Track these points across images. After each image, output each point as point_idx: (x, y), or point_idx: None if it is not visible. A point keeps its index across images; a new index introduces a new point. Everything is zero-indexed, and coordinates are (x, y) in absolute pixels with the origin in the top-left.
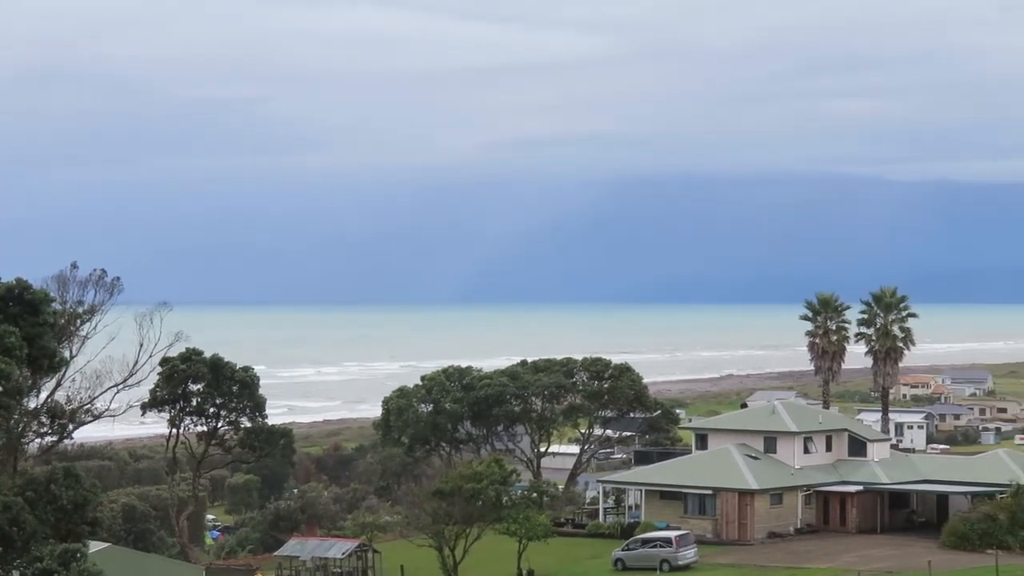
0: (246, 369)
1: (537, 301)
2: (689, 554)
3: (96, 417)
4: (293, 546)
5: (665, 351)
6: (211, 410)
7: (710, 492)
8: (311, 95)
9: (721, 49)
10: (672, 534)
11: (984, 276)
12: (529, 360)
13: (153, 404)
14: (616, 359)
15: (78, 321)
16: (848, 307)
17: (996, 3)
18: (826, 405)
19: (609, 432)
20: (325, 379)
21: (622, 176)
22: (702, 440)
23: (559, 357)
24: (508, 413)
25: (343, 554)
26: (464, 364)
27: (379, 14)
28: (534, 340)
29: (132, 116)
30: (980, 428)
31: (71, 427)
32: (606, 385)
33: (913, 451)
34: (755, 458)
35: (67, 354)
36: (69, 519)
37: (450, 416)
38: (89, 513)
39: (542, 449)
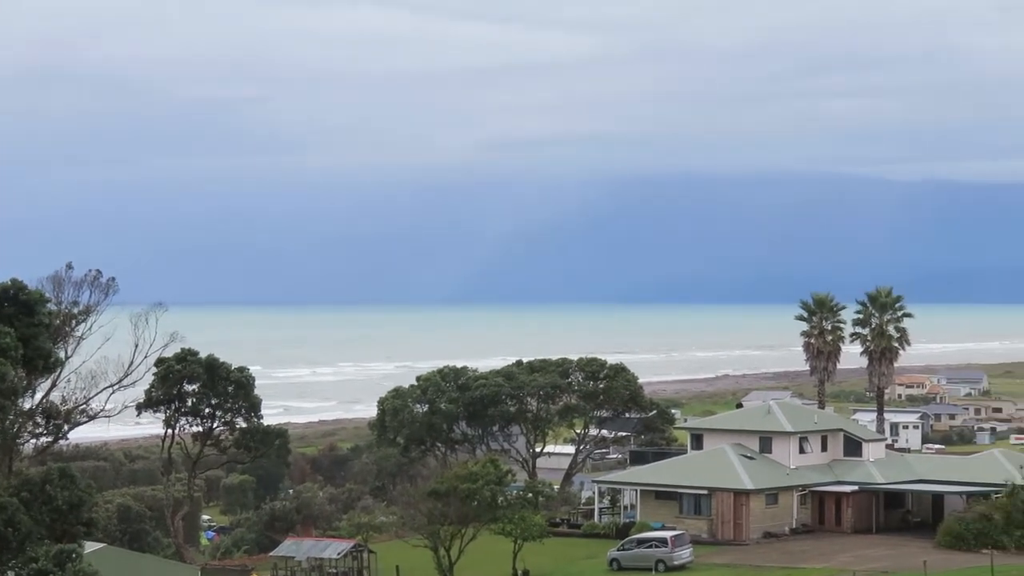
0: (241, 369)
1: (536, 301)
2: (684, 554)
3: (91, 418)
4: (288, 546)
5: (661, 351)
6: (206, 410)
7: (705, 492)
8: (311, 95)
9: (721, 49)
10: (667, 534)
11: (981, 276)
12: (524, 360)
13: (148, 405)
14: (612, 359)
15: (73, 322)
16: (844, 307)
17: (996, 3)
18: (821, 405)
19: (604, 432)
20: (321, 379)
21: (622, 176)
22: (697, 440)
23: (554, 357)
24: (503, 413)
25: (339, 554)
26: (460, 364)
27: (379, 14)
28: (532, 340)
29: (132, 116)
30: (975, 428)
31: (66, 428)
32: (601, 385)
33: (908, 451)
34: (750, 458)
35: (62, 355)
36: (64, 519)
37: (445, 416)
38: (84, 514)
39: (537, 449)
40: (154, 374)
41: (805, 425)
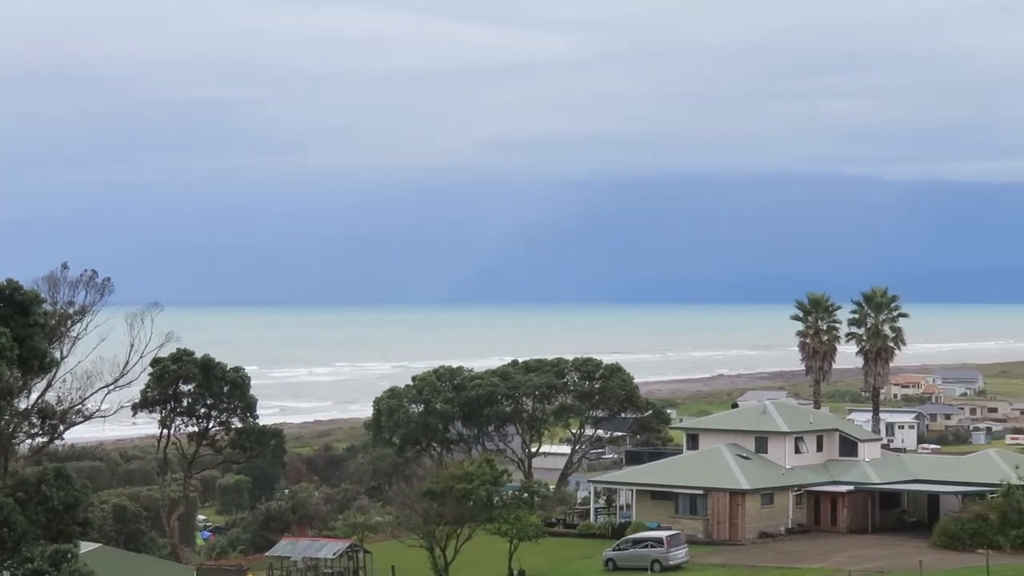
0: (237, 370)
1: (535, 301)
2: (680, 554)
3: (87, 418)
4: (284, 546)
5: (657, 351)
6: (202, 411)
7: (701, 492)
8: (311, 95)
9: (721, 49)
10: (663, 534)
11: (978, 276)
12: (520, 360)
13: (144, 405)
14: (607, 359)
15: (69, 322)
16: (839, 307)
17: (996, 3)
18: (817, 405)
19: (600, 432)
20: (317, 379)
21: (621, 176)
22: (693, 440)
23: (550, 357)
24: (499, 413)
25: (334, 554)
26: (455, 364)
27: (378, 14)
28: (529, 340)
29: (132, 116)
30: (971, 428)
31: (62, 428)
32: (597, 385)
33: (904, 451)
34: (746, 458)
35: (58, 355)
36: (60, 520)
37: (441, 416)
38: (80, 514)
39: (533, 449)
40: (149, 374)
41: (801, 425)
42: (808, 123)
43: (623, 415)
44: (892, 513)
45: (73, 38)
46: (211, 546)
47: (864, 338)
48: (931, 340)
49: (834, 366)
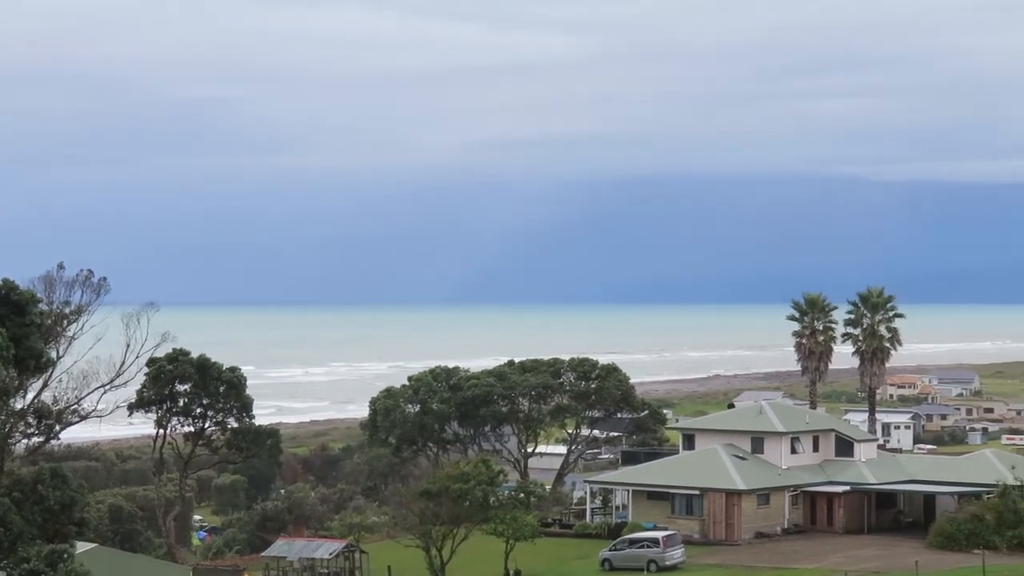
0: (233, 369)
1: (535, 301)
2: (676, 554)
3: (83, 418)
4: (280, 547)
5: (653, 351)
6: (198, 411)
7: (697, 492)
8: (310, 95)
9: (720, 49)
10: (659, 534)
11: (977, 276)
12: (516, 360)
13: (140, 405)
14: (604, 359)
15: (65, 322)
16: (835, 307)
17: (996, 3)
18: (813, 405)
19: (596, 432)
20: (313, 379)
21: (621, 176)
22: (689, 440)
23: (546, 358)
24: (495, 413)
25: (330, 555)
26: (452, 365)
27: (377, 14)
28: (526, 340)
29: (132, 116)
30: (967, 428)
31: (58, 428)
32: (593, 385)
33: (900, 451)
34: (742, 458)
35: (54, 355)
36: (56, 520)
37: (437, 416)
38: (76, 514)
39: (529, 449)
40: (146, 374)
41: (797, 425)
42: (808, 123)
43: (619, 415)
44: (888, 513)
45: (73, 38)
46: (207, 546)
47: (860, 338)
48: (927, 340)
49: (830, 366)
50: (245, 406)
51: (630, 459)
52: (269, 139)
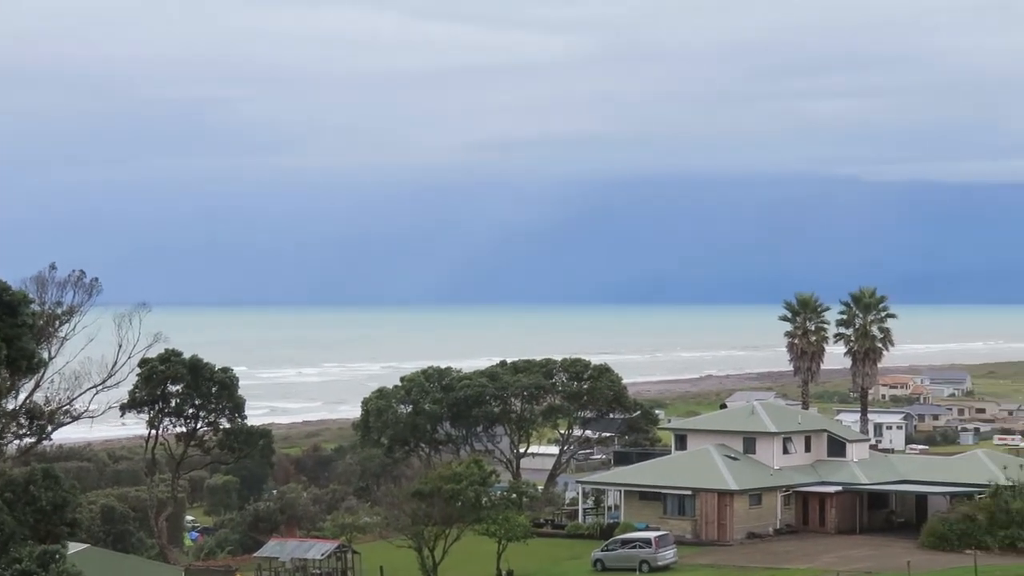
0: (225, 370)
1: (534, 301)
2: (668, 555)
3: (75, 418)
4: (272, 547)
5: (646, 351)
6: (190, 411)
7: (689, 493)
8: (310, 95)
9: (720, 49)
10: (651, 535)
11: (976, 276)
12: (508, 361)
13: (132, 405)
14: (596, 360)
15: (57, 322)
16: (827, 308)
17: (996, 3)
18: (805, 406)
19: (588, 433)
20: (306, 380)
21: (621, 176)
22: (681, 441)
23: (539, 358)
24: (487, 414)
25: (322, 555)
26: (444, 365)
27: (377, 15)
28: (521, 341)
29: (132, 116)
30: (959, 428)
31: (50, 428)
32: (585, 386)
33: (892, 451)
34: (734, 459)
35: (46, 355)
36: (48, 520)
37: (429, 417)
38: (68, 514)
39: (521, 450)
40: (138, 375)
41: (789, 426)
42: (808, 123)
43: (611, 416)
44: (880, 513)
45: (73, 38)
46: (199, 547)
47: (852, 339)
48: (920, 341)
49: (822, 367)
50: (237, 407)
51: (622, 459)
52: (269, 139)
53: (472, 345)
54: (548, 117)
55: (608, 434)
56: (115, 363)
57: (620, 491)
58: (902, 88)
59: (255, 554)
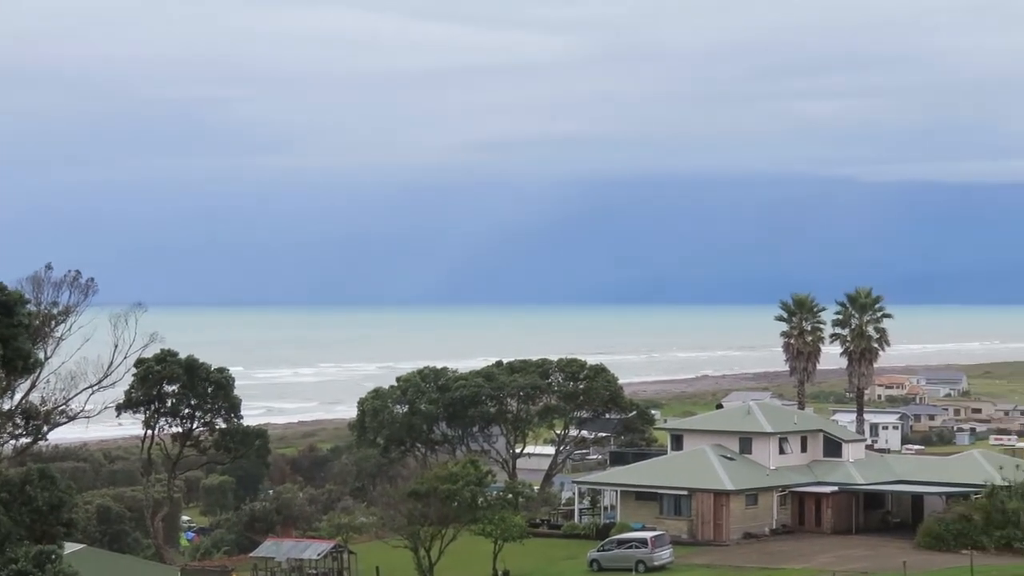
0: (221, 370)
1: (534, 301)
2: (664, 555)
3: (71, 418)
4: (268, 547)
5: (642, 352)
6: (186, 411)
7: (685, 493)
8: (310, 95)
9: (720, 49)
10: (647, 535)
11: (974, 277)
12: (504, 361)
13: (128, 405)
14: (591, 360)
15: (52, 322)
16: (823, 308)
17: (996, 3)
18: (801, 406)
19: (584, 433)
20: (302, 380)
21: (620, 176)
22: (677, 441)
23: (534, 358)
24: (483, 414)
25: (318, 555)
26: (440, 365)
27: (377, 15)
28: (520, 340)
29: (132, 116)
30: (955, 429)
31: (46, 428)
32: (581, 386)
33: (888, 452)
34: (730, 459)
35: (42, 355)
36: (44, 520)
37: (425, 417)
38: (64, 514)
39: (517, 450)
40: (134, 375)
41: (785, 426)
42: (808, 123)
43: (607, 416)
44: (876, 514)
45: (73, 38)
46: (195, 547)
47: (848, 339)
48: (916, 341)
49: (818, 367)
50: (233, 407)
51: (618, 459)
52: (269, 139)
53: (471, 345)
54: (548, 117)
55: (604, 434)
56: (111, 363)
57: (616, 491)
58: (902, 88)
59: (251, 554)
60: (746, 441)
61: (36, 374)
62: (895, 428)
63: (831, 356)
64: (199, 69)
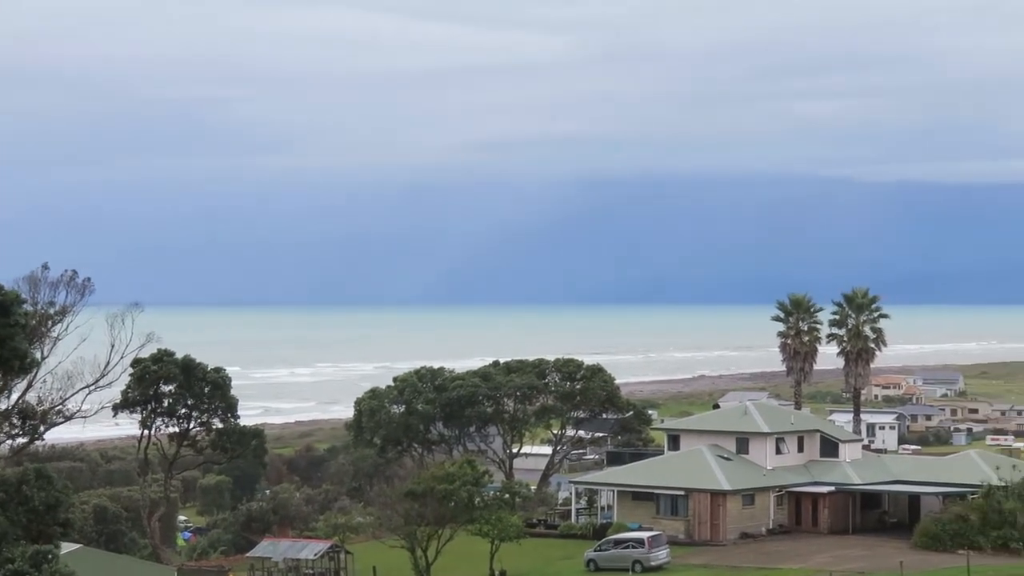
0: (218, 370)
1: (534, 301)
2: (661, 555)
3: (67, 418)
4: (265, 547)
5: (639, 352)
6: (182, 411)
7: (682, 493)
8: (310, 96)
9: (720, 49)
10: (644, 535)
11: (974, 277)
12: (501, 361)
13: (125, 405)
14: (588, 360)
15: (49, 322)
16: (820, 308)
17: (996, 3)
18: (798, 406)
19: (581, 433)
20: (299, 380)
21: (620, 176)
22: (674, 441)
23: (531, 358)
24: (480, 414)
25: (315, 555)
26: (437, 365)
27: (377, 15)
28: (518, 340)
29: (132, 116)
30: (952, 429)
31: (42, 428)
32: (578, 386)
33: (885, 452)
34: (727, 459)
35: (38, 355)
36: (41, 520)
37: (422, 417)
38: (61, 514)
39: (514, 450)
40: (130, 375)
41: (782, 426)
42: (808, 123)
43: (604, 416)
44: (873, 514)
45: (73, 38)
46: (192, 547)
47: (845, 339)
48: (913, 341)
49: (815, 367)
50: (230, 407)
51: (615, 460)
52: (269, 139)
53: (469, 345)
54: (548, 117)
55: (601, 434)
56: (108, 363)
57: (613, 491)
58: (902, 88)
59: (248, 554)
60: (743, 441)
61: (33, 374)
62: (892, 428)
63: (828, 356)
64: (199, 69)
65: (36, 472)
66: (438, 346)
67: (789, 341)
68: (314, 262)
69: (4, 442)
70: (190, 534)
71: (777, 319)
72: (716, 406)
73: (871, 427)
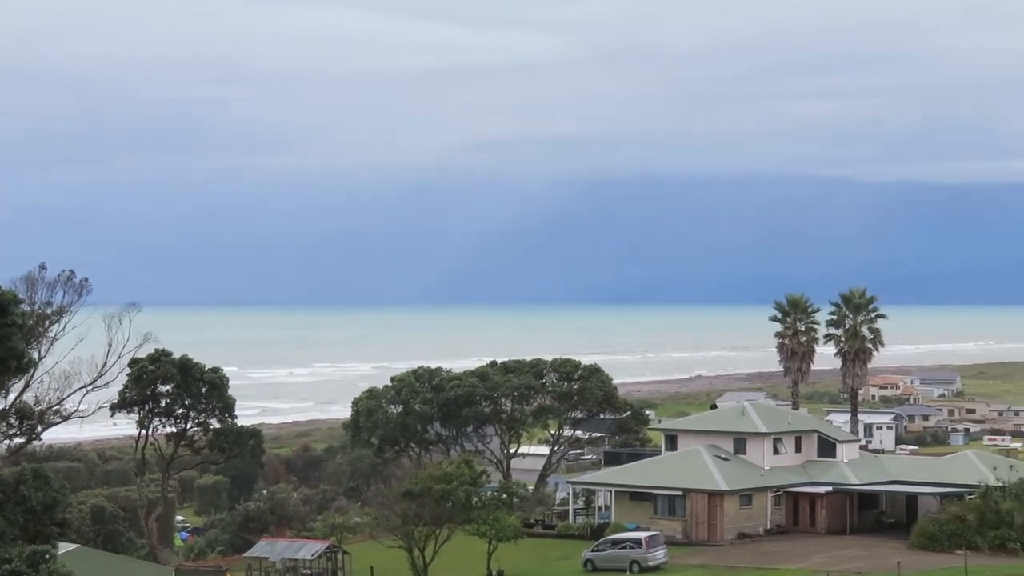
0: (215, 370)
1: (534, 301)
2: (659, 555)
3: (65, 418)
4: (263, 547)
5: (636, 352)
6: (180, 411)
7: (680, 493)
8: (310, 96)
9: (720, 49)
10: (642, 535)
11: (973, 277)
12: (499, 361)
13: (122, 405)
14: (586, 360)
15: (47, 322)
16: (818, 308)
17: (997, 3)
18: (795, 406)
19: (579, 433)
20: (297, 380)
21: (620, 175)
22: (672, 441)
23: (529, 358)
24: (478, 414)
25: (313, 555)
26: (435, 365)
27: (377, 16)
28: (517, 340)
29: (132, 116)
30: (949, 429)
31: (40, 428)
32: (575, 386)
33: (882, 452)
34: (724, 459)
35: (36, 355)
36: (38, 520)
37: (420, 417)
38: (58, 514)
39: (512, 450)
40: (128, 375)
41: (779, 426)
42: (808, 123)
43: (602, 416)
44: (870, 514)
45: (73, 38)
46: (190, 547)
47: (842, 339)
48: (910, 341)
49: (812, 367)
50: (227, 407)
51: (612, 460)
52: (269, 139)
53: (468, 345)
54: (548, 117)
55: (598, 434)
56: (105, 363)
57: (610, 491)
58: (902, 88)
59: (245, 554)
60: (740, 441)
61: (30, 374)
62: (889, 428)
63: (825, 356)
64: (199, 69)
65: (33, 472)
66: (437, 346)
67: (786, 341)
68: (314, 262)
69: (1, 442)
70: (187, 534)
71: (775, 319)
72: (713, 406)
73: (868, 427)
